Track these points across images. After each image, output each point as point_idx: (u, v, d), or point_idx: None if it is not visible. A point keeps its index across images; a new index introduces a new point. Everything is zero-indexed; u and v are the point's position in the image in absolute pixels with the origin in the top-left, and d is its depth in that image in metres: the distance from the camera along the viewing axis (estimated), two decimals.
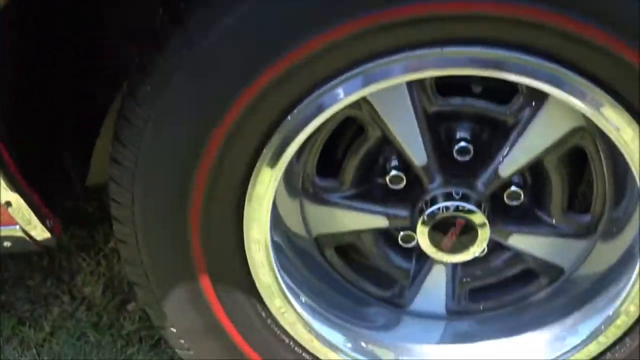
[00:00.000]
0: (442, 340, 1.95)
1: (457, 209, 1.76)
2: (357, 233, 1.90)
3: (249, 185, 1.67)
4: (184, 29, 1.59)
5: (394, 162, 1.82)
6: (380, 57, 1.59)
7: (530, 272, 1.96)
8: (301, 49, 1.57)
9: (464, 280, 1.96)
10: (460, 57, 1.59)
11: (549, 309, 1.94)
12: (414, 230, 1.80)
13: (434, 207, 1.76)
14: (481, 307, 1.98)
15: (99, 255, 2.53)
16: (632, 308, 1.82)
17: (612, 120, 1.63)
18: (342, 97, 1.63)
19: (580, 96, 1.61)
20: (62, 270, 2.52)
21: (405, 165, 1.80)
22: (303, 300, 1.85)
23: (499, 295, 1.98)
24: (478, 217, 1.77)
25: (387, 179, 1.81)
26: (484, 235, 1.79)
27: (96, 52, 1.99)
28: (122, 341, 2.32)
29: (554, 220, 1.87)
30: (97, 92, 2.02)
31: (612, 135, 1.66)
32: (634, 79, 1.59)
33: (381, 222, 1.85)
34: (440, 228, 1.78)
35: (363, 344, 1.92)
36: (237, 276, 1.79)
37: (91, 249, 2.56)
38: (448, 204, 1.76)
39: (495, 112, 1.76)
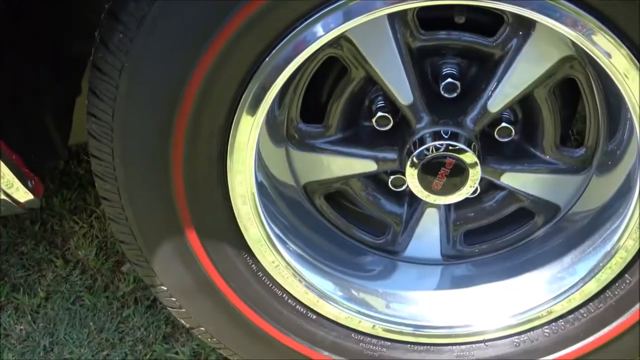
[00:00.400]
0: (439, 286, 1.92)
1: (446, 148, 1.70)
2: (346, 179, 1.85)
3: (230, 135, 1.62)
4: None
5: (380, 103, 1.76)
6: None
7: (526, 212, 1.91)
8: None
9: (458, 223, 1.91)
10: None
11: (547, 249, 1.90)
12: (404, 173, 1.75)
13: (422, 148, 1.71)
14: (477, 250, 1.94)
15: (92, 217, 2.50)
16: (631, 243, 1.77)
17: (603, 47, 1.58)
18: (321, 35, 1.56)
19: (571, 24, 1.56)
20: (54, 234, 2.48)
21: (391, 105, 1.74)
22: (295, 252, 1.81)
23: (495, 237, 1.94)
24: (468, 156, 1.71)
25: (374, 121, 1.75)
26: (475, 174, 1.73)
27: (71, 4, 1.93)
28: (118, 303, 2.29)
29: (547, 156, 1.82)
30: (74, 46, 1.96)
31: (604, 63, 1.60)
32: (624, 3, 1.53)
33: (370, 166, 1.80)
34: (430, 169, 1.72)
35: (355, 293, 1.88)
36: (225, 230, 1.74)
37: (83, 211, 2.53)
38: (437, 143, 1.70)
39: (481, 44, 1.71)
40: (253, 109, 1.60)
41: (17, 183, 1.74)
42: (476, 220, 1.91)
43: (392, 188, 1.85)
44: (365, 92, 1.77)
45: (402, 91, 1.70)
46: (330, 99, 1.78)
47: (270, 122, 1.75)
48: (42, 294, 2.32)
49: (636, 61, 1.56)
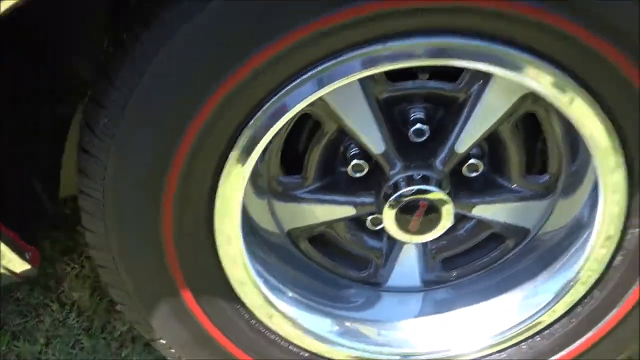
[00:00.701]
0: (421, 312, 2.03)
1: (419, 191, 1.81)
2: (328, 223, 1.95)
3: (215, 203, 1.73)
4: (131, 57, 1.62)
5: (354, 151, 1.87)
6: (335, 57, 1.61)
7: (497, 236, 2.03)
8: (253, 60, 1.58)
9: (434, 252, 2.03)
10: (409, 50, 1.61)
11: (519, 270, 2.02)
12: (381, 215, 1.86)
13: (397, 194, 1.81)
14: (454, 274, 2.06)
15: (82, 257, 2.58)
16: (603, 251, 1.88)
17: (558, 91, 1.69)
18: (301, 99, 1.65)
19: (523, 72, 1.66)
20: (48, 277, 2.56)
21: (365, 153, 1.84)
22: (287, 297, 1.92)
23: (470, 260, 2.06)
24: (440, 196, 1.82)
25: (349, 168, 1.86)
26: (448, 212, 1.84)
27: (52, 70, 1.99)
28: (116, 343, 2.38)
29: (514, 185, 1.93)
30: (58, 108, 2.03)
31: (561, 107, 1.71)
32: (571, 47, 1.63)
33: (349, 211, 1.91)
34: (405, 212, 1.83)
35: (348, 324, 1.99)
36: (217, 289, 1.84)
37: (73, 251, 2.60)
38: (410, 188, 1.81)
39: (446, 90, 1.80)
40: (243, 161, 1.69)
41: (15, 257, 1.82)
42: (451, 248, 2.03)
43: (372, 227, 1.96)
44: (339, 141, 1.87)
45: (374, 141, 1.80)
46: (307, 151, 1.87)
47: (254, 177, 1.84)
48: (41, 340, 2.40)
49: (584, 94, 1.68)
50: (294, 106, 1.66)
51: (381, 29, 1.58)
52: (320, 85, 1.65)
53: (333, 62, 1.61)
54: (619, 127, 1.72)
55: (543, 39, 1.61)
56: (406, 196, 1.81)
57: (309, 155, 1.87)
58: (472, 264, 2.05)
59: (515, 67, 1.64)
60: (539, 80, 1.66)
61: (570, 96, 1.67)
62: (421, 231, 1.86)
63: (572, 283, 1.92)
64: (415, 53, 1.62)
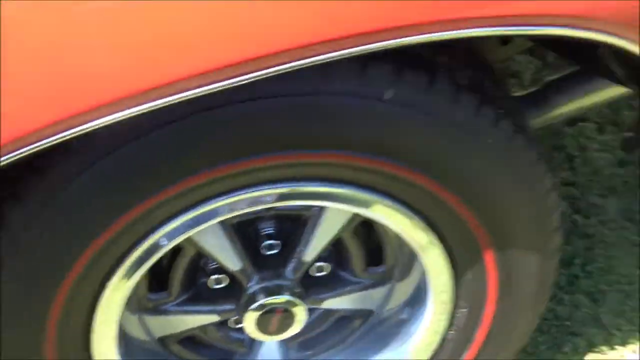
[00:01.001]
0: None
1: (273, 300, 2.05)
2: (195, 329, 2.17)
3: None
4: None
5: (213, 266, 2.09)
6: (201, 205, 1.83)
7: (346, 317, 2.29)
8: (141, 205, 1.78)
9: (289, 338, 2.24)
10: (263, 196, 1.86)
11: (366, 345, 2.29)
12: (242, 320, 2.09)
13: (255, 304, 2.04)
14: (311, 352, 2.31)
15: None
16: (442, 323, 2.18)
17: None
18: (165, 243, 1.88)
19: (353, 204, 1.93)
20: None
21: (223, 268, 2.06)
22: None
23: (323, 339, 2.31)
24: (293, 301, 2.06)
25: (210, 281, 2.08)
26: (302, 312, 2.08)
27: None
28: None
29: (357, 278, 2.18)
30: None
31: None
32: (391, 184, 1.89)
33: (213, 318, 2.13)
34: (263, 318, 2.06)
35: None
36: None
37: None
38: (266, 300, 2.04)
39: (291, 209, 2.03)
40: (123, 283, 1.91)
41: None
42: (303, 334, 2.24)
43: (234, 326, 2.19)
44: (199, 258, 2.08)
45: (230, 260, 2.02)
46: (170, 269, 2.07)
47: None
48: None
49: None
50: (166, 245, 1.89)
51: (231, 184, 1.81)
52: (191, 227, 1.88)
53: (200, 211, 1.84)
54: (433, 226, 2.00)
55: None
56: (263, 305, 2.05)
57: (173, 273, 2.07)
58: (324, 343, 2.30)
59: (352, 202, 1.91)
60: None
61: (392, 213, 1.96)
62: (279, 331, 2.10)
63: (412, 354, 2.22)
64: (266, 200, 1.86)
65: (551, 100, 2.22)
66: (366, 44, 1.56)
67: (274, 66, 1.55)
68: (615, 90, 2.10)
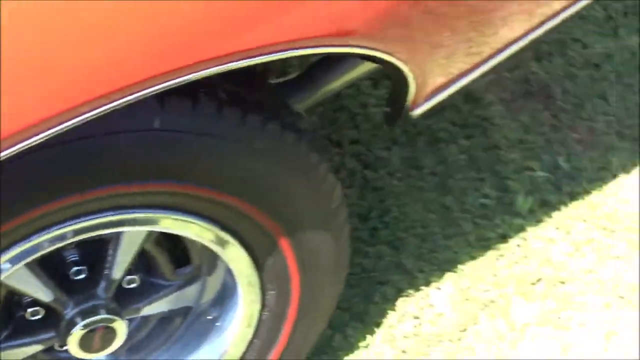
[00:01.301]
0: None
1: (91, 321, 2.16)
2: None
3: None
4: None
5: (28, 299, 2.17)
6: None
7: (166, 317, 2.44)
8: None
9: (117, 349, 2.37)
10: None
11: (190, 339, 2.44)
12: (66, 345, 2.19)
13: (75, 328, 2.15)
14: (140, 355, 2.44)
15: None
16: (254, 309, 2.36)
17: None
18: None
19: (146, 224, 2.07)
20: None
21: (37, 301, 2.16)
22: None
23: (149, 341, 2.45)
24: (110, 318, 2.18)
25: (27, 314, 2.17)
26: (122, 326, 2.20)
27: None
28: None
29: (169, 281, 2.31)
30: None
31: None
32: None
33: (38, 348, 2.22)
34: (86, 339, 2.17)
35: None
36: None
37: None
38: (83, 322, 2.14)
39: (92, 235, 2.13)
40: None
41: None
42: (129, 341, 2.36)
43: (60, 348, 2.29)
44: (13, 294, 2.16)
45: (42, 293, 2.12)
46: None
47: None
48: None
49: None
50: None
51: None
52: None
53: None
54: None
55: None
56: (82, 326, 2.16)
57: None
58: (151, 344, 2.44)
59: (143, 223, 2.04)
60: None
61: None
62: (103, 347, 2.22)
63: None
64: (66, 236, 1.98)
65: (318, 82, 2.39)
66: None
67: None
68: (370, 66, 2.29)
